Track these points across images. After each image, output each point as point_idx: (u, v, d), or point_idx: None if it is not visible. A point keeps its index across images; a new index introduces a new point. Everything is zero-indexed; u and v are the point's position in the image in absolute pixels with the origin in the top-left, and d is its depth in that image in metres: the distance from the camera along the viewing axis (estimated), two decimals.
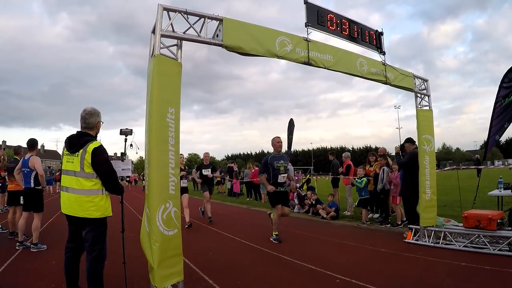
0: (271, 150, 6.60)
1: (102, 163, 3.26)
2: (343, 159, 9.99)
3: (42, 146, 64.50)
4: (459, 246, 5.17)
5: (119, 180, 3.60)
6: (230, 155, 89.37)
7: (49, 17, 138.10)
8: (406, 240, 5.83)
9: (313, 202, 9.78)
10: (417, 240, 5.69)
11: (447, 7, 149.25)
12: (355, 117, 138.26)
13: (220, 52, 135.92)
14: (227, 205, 14.21)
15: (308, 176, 13.20)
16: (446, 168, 12.52)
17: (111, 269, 4.25)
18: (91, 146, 3.23)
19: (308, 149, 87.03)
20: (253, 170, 15.50)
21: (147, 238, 3.23)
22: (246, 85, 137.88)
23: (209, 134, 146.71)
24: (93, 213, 3.23)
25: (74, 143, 3.31)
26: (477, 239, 5.10)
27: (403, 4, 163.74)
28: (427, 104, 6.00)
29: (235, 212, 11.56)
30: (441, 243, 5.38)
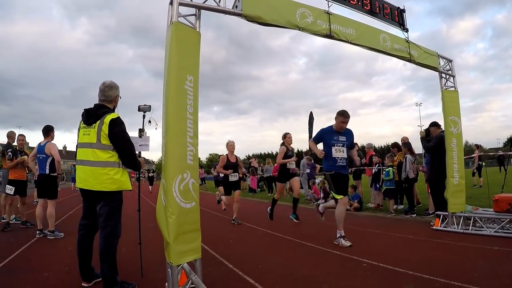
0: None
1: (119, 135, 3.15)
2: (366, 150, 9.81)
3: (64, 147, 65.78)
4: (490, 232, 4.88)
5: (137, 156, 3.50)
6: (251, 155, 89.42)
7: (69, 22, 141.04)
8: (433, 227, 5.55)
9: None
10: (445, 227, 5.40)
11: (465, 3, 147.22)
12: (376, 116, 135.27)
13: (238, 53, 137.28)
14: (248, 200, 14.10)
15: None
16: (472, 155, 12.03)
17: (126, 255, 4.17)
18: (109, 117, 3.13)
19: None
20: (275, 166, 15.36)
21: (163, 212, 3.07)
22: (265, 86, 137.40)
23: (229, 135, 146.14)
24: (109, 186, 3.11)
25: (91, 115, 3.21)
26: (509, 224, 4.81)
27: (421, 1, 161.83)
28: (453, 85, 5.74)
29: (257, 206, 11.37)
30: (471, 230, 5.10)
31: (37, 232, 5.59)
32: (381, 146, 80.00)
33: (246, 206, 11.27)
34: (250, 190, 17.61)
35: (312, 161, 13.02)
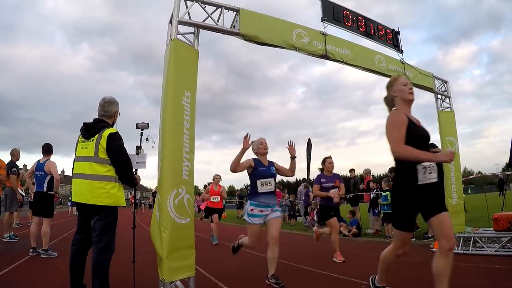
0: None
1: (117, 149, 3.16)
2: (364, 175, 9.70)
3: (63, 171, 65.32)
4: (491, 251, 4.82)
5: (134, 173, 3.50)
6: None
7: (71, 47, 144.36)
8: (433, 249, 5.44)
9: None
10: None
11: (460, 30, 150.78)
12: (374, 144, 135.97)
13: (237, 82, 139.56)
14: (245, 226, 13.84)
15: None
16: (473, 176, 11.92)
17: (120, 275, 4.09)
18: (107, 131, 3.16)
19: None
20: None
21: (157, 227, 3.05)
22: (264, 115, 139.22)
23: (228, 164, 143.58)
24: (104, 201, 3.09)
25: (90, 129, 3.24)
26: (510, 242, 4.76)
27: (417, 30, 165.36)
28: (448, 105, 5.82)
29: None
30: (471, 250, 5.02)
31: (31, 250, 5.49)
32: (380, 175, 79.19)
33: (243, 232, 11.11)
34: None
35: (309, 188, 12.95)
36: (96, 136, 3.15)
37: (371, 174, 10.20)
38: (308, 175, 19.05)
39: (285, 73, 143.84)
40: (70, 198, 21.54)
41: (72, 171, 3.35)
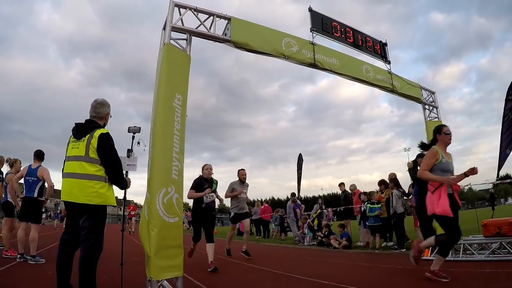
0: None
1: (107, 150, 3.19)
2: (354, 191, 9.82)
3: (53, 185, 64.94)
4: (481, 257, 4.87)
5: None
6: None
7: (64, 62, 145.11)
8: (423, 257, 5.45)
9: (326, 233, 9.45)
10: (435, 256, 5.32)
11: (450, 49, 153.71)
12: (365, 163, 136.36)
13: (228, 100, 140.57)
14: (235, 241, 13.71)
15: (319, 210, 12.66)
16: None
17: (108, 281, 4.06)
18: (98, 132, 3.19)
19: (319, 195, 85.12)
20: (262, 207, 15.22)
21: (145, 226, 3.07)
22: (255, 133, 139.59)
23: (219, 181, 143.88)
24: (94, 199, 3.10)
25: (81, 129, 3.27)
26: (499, 248, 4.84)
27: (407, 49, 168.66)
28: (436, 116, 5.95)
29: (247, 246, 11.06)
30: (462, 257, 5.05)
31: (18, 256, 5.41)
32: None
33: (232, 247, 11.05)
34: (238, 233, 17.07)
35: (297, 203, 13.01)
36: (87, 136, 3.19)
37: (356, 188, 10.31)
38: (298, 190, 19.04)
39: (276, 92, 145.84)
40: (59, 213, 21.26)
41: (63, 171, 3.37)
